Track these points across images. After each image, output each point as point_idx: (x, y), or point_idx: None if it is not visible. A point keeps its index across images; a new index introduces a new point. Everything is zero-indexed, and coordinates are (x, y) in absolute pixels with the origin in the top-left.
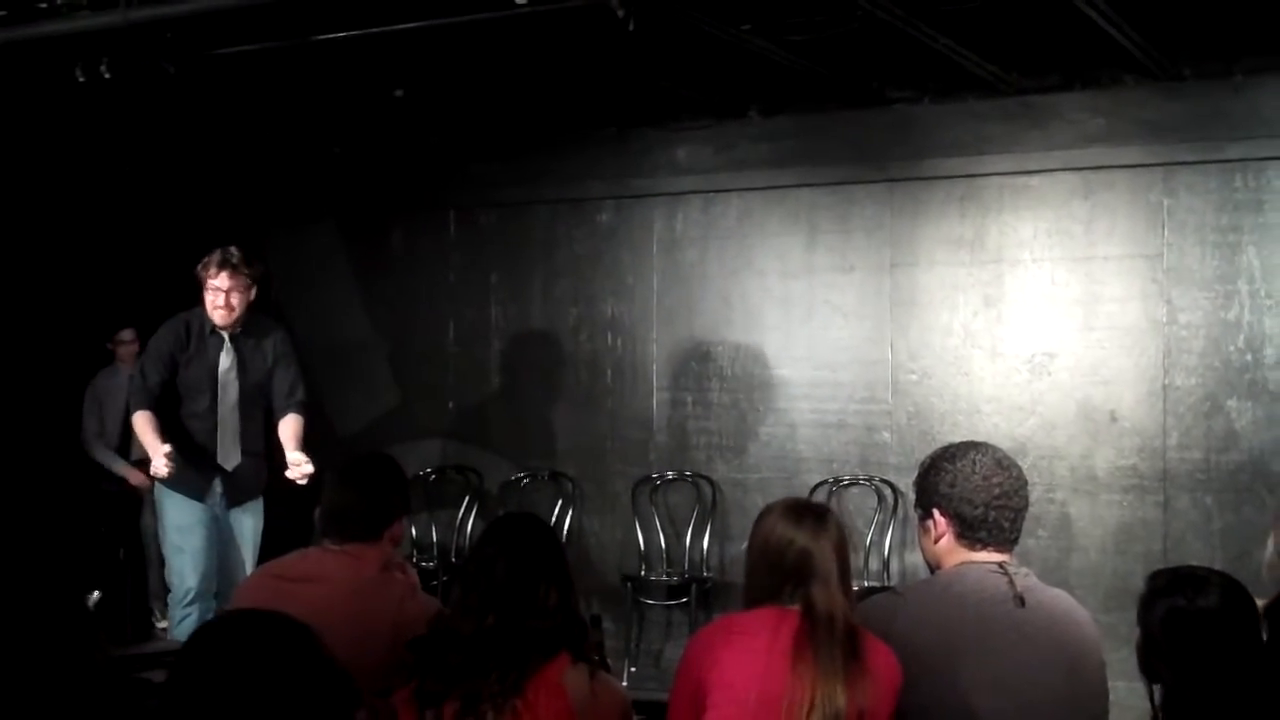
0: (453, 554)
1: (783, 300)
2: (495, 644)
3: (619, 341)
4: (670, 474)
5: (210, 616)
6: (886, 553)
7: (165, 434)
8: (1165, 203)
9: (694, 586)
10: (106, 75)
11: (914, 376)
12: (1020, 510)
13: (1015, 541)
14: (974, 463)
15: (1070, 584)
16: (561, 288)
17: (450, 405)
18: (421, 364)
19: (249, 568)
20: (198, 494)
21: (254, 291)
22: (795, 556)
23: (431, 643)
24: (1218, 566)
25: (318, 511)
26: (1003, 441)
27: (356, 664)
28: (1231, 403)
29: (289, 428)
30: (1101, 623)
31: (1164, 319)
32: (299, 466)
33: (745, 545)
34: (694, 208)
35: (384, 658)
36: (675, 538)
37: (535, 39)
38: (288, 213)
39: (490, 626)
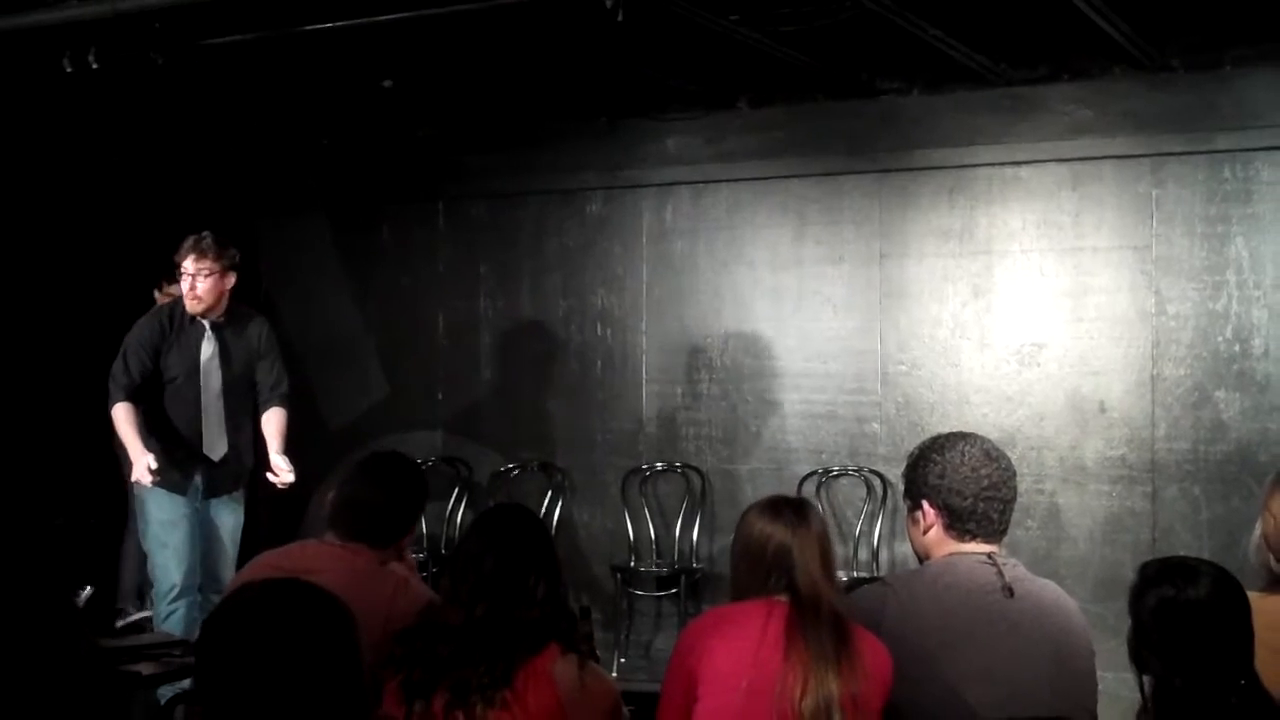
0: (442, 545)
1: (772, 291)
2: (484, 635)
3: (609, 333)
4: (660, 465)
5: (197, 612)
6: (876, 543)
7: (146, 429)
8: (1154, 193)
9: (683, 577)
10: (94, 65)
11: (903, 367)
12: (1009, 501)
13: (1004, 532)
14: (963, 454)
15: (1059, 574)
16: (551, 279)
17: (440, 396)
18: (411, 355)
19: (231, 561)
20: (179, 489)
21: (230, 278)
22: (775, 550)
23: (420, 634)
24: (1206, 556)
25: (329, 497)
26: (991, 432)
27: None
28: (1220, 393)
29: (273, 422)
30: (1090, 613)
31: (1152, 310)
32: (281, 474)
33: (730, 546)
34: (683, 199)
35: (371, 656)
36: (665, 529)
37: (524, 29)
38: (277, 204)
39: (479, 618)
